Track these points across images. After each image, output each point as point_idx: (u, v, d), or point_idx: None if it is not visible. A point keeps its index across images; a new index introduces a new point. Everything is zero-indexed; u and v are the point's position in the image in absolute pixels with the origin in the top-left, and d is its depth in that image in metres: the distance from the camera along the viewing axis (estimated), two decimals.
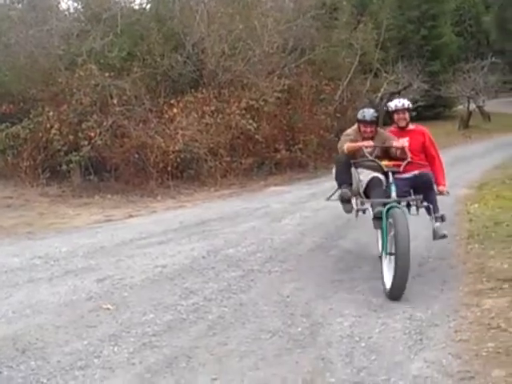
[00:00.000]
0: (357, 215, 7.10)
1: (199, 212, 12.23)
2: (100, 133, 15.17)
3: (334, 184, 7.25)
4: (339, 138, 7.50)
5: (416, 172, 6.92)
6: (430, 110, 31.64)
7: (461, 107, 35.75)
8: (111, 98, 15.61)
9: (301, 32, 20.51)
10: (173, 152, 15.65)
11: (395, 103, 7.31)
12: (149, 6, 20.10)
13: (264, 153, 18.29)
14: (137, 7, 19.98)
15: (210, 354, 4.82)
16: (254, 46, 18.46)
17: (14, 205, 13.19)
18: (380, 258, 6.56)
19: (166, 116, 16.50)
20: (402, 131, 7.22)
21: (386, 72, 26.16)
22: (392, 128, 7.42)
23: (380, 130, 7.28)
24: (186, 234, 9.64)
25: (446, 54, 36.67)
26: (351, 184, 6.91)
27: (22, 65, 16.31)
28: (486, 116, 35.92)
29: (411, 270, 5.92)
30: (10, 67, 16.57)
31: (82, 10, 18.82)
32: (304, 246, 8.63)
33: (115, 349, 4.93)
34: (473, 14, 45.83)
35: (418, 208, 6.82)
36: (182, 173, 16.61)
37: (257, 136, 17.43)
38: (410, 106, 7.32)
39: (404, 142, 6.96)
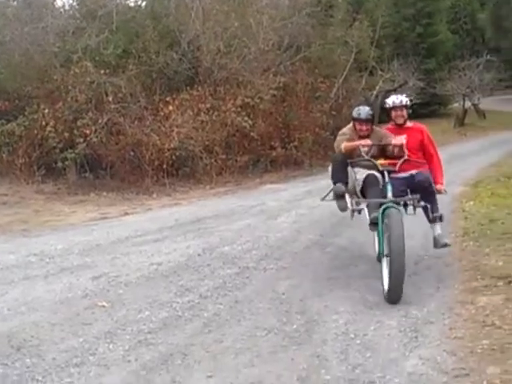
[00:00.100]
0: (352, 216, 7.00)
1: (195, 210, 12.23)
2: (95, 130, 15.18)
3: (330, 182, 7.15)
4: (335, 136, 7.39)
5: (413, 171, 6.79)
6: (425, 107, 31.58)
7: (456, 105, 35.72)
8: (106, 95, 15.61)
9: (296, 29, 20.47)
10: (168, 149, 15.66)
11: (393, 100, 7.08)
12: (144, 3, 20.16)
13: (259, 150, 18.28)
14: (132, 4, 20.04)
15: (205, 351, 4.83)
16: (250, 44, 18.44)
17: (10, 202, 13.18)
18: (378, 259, 6.47)
19: (162, 113, 16.50)
20: (399, 129, 7.03)
21: (381, 70, 26.12)
22: (389, 125, 7.22)
23: (376, 127, 7.09)
24: (181, 231, 9.64)
25: (441, 52, 36.61)
26: (347, 183, 6.81)
27: (18, 62, 16.30)
28: (482, 114, 35.92)
29: (407, 269, 5.85)
30: (5, 64, 16.57)
31: (77, 7, 18.81)
32: (299, 243, 8.63)
33: (110, 346, 4.94)
34: (468, 11, 45.78)
35: (415, 208, 6.70)
36: (177, 170, 16.62)
37: (252, 133, 17.41)
38: (408, 102, 7.13)
39: (401, 139, 6.75)
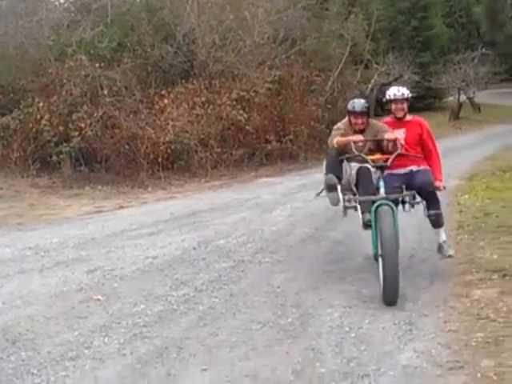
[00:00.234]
0: (345, 213, 6.67)
1: (190, 203, 12.23)
2: (90, 124, 15.16)
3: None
4: (330, 129, 7.26)
5: (413, 168, 6.61)
6: (420, 101, 31.46)
7: (451, 98, 35.70)
8: (101, 88, 15.59)
9: (291, 22, 20.43)
10: (163, 143, 15.65)
11: (394, 92, 6.80)
12: None
13: (255, 144, 18.28)
14: None
15: (200, 344, 4.83)
16: (245, 37, 18.42)
17: (4, 196, 13.16)
18: (374, 258, 6.35)
19: (157, 107, 16.49)
20: (398, 122, 6.81)
21: (376, 63, 26.13)
22: (388, 118, 7.01)
23: (372, 121, 6.92)
24: (176, 225, 9.64)
25: (436, 45, 36.58)
26: (340, 178, 6.57)
27: (12, 55, 16.24)
28: (477, 107, 35.94)
29: (401, 263, 5.79)
30: None
31: (71, 0, 18.74)
32: (295, 236, 8.64)
33: (106, 340, 4.94)
34: (463, 5, 45.75)
35: (412, 205, 6.51)
36: (172, 164, 16.61)
37: (247, 127, 17.41)
38: (410, 95, 6.88)
39: (400, 133, 6.60)
